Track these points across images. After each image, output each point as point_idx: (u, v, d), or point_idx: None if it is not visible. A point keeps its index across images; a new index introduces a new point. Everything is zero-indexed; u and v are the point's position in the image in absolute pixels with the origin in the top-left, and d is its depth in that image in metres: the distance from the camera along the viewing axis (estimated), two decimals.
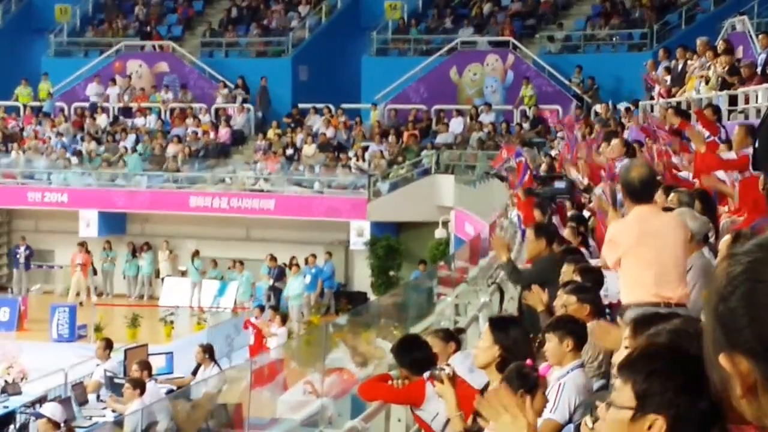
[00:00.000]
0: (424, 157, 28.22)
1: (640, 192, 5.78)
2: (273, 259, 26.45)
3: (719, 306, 1.58)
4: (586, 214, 11.61)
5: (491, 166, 22.01)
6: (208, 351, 15.02)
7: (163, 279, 28.47)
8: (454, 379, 5.40)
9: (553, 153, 19.83)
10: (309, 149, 29.13)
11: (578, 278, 6.71)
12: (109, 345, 15.79)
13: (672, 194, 7.85)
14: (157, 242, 28.96)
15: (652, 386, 2.22)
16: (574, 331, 5.25)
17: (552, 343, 5.22)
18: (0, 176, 30.62)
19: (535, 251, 8.78)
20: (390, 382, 6.28)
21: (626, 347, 2.32)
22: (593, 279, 6.68)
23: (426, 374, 5.73)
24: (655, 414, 2.20)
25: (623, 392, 2.26)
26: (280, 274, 26.20)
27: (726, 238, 5.69)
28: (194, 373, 15.08)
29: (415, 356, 6.05)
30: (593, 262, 8.30)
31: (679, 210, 6.75)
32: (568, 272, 7.25)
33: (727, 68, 16.07)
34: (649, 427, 2.21)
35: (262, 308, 21.09)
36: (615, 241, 5.93)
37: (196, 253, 27.56)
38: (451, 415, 5.36)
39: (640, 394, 2.23)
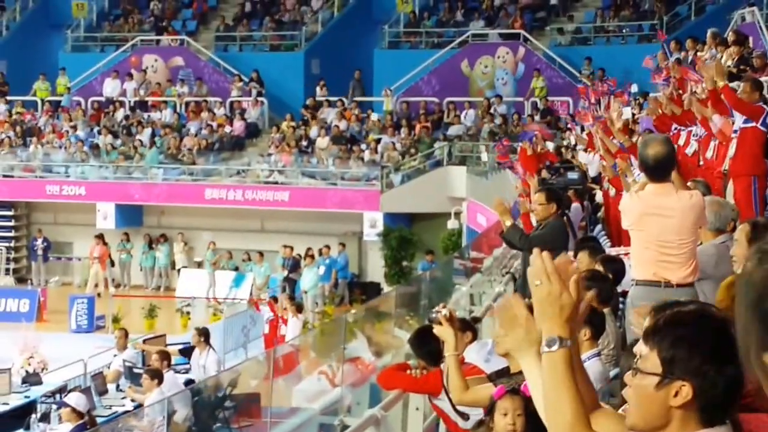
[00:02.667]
0: (437, 148, 28.45)
1: (653, 170, 5.75)
2: (289, 249, 26.73)
3: (760, 304, 1.58)
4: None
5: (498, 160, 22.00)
6: (204, 334, 15.12)
7: (179, 270, 28.77)
8: (452, 319, 5.27)
9: (564, 143, 20.00)
10: (322, 142, 29.38)
11: (600, 268, 6.53)
12: (126, 335, 16.09)
13: (689, 183, 7.88)
14: (173, 234, 29.25)
15: (679, 352, 2.19)
16: (592, 321, 5.17)
17: None
18: (19, 170, 30.96)
19: (544, 214, 8.57)
20: (408, 371, 6.32)
21: None
22: (614, 269, 6.58)
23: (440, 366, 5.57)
24: (682, 381, 2.18)
25: (649, 359, 2.23)
26: (294, 265, 26.47)
27: (743, 226, 5.53)
28: (183, 352, 15.29)
29: (432, 347, 5.95)
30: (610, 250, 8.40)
31: (709, 198, 6.56)
32: (583, 260, 7.15)
33: (736, 59, 16.19)
34: (676, 394, 2.19)
35: (276, 299, 21.30)
36: (623, 213, 5.97)
37: (211, 245, 27.87)
38: (448, 353, 5.24)
39: (666, 360, 2.20)
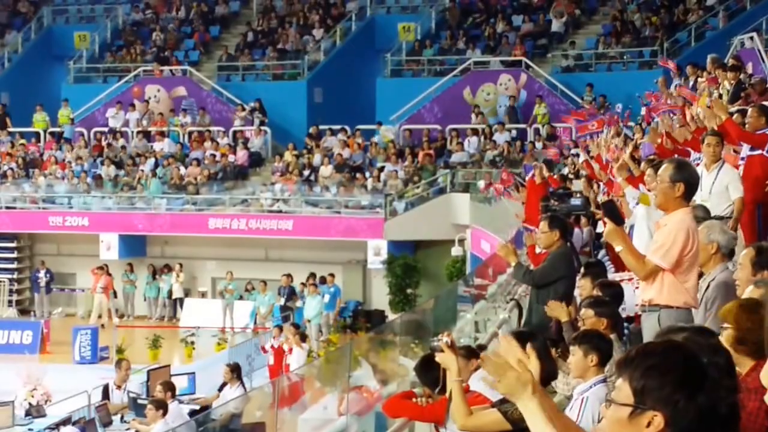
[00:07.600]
0: (440, 176, 28.49)
1: (692, 191, 5.73)
2: (285, 277, 26.65)
3: None
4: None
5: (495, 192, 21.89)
6: (236, 370, 15.27)
7: (175, 300, 28.71)
8: (453, 345, 5.28)
9: (565, 171, 20.00)
10: (326, 170, 29.42)
11: (599, 293, 6.68)
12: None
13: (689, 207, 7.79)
14: (177, 264, 29.19)
15: (650, 382, 2.21)
16: (599, 347, 5.23)
17: (576, 357, 5.22)
18: (22, 201, 30.99)
19: (548, 242, 8.62)
20: (414, 399, 6.34)
21: None
22: (613, 293, 6.66)
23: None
24: (653, 411, 2.20)
25: (622, 389, 2.26)
26: (290, 294, 26.44)
27: (748, 250, 5.50)
28: (220, 390, 15.33)
29: (437, 375, 5.92)
30: (612, 276, 8.41)
31: (708, 222, 6.65)
32: (586, 286, 7.26)
33: (734, 84, 16.23)
34: (648, 424, 2.20)
35: (280, 328, 21.29)
36: (674, 243, 5.65)
37: (228, 275, 27.71)
38: (452, 380, 5.20)
39: (638, 390, 2.22)
